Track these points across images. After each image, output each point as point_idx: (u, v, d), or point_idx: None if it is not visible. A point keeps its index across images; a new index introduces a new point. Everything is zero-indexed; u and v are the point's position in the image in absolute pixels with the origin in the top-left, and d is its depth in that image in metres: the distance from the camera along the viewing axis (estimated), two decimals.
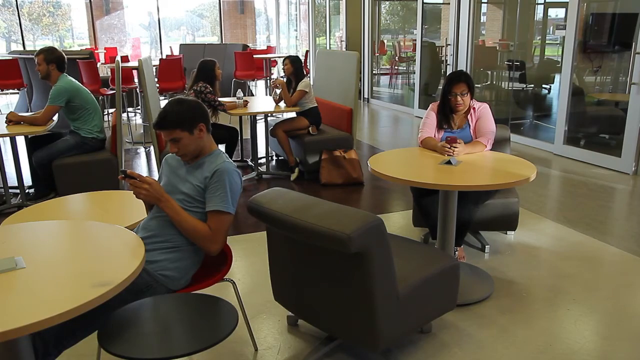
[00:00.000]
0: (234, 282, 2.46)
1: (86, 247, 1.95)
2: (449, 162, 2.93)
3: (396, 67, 12.24)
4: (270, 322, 2.82)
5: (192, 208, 2.25)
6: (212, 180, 2.22)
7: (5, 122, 4.53)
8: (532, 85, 7.86)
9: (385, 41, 11.96)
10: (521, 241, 3.82)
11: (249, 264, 3.46)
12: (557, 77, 7.24)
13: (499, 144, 3.68)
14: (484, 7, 8.28)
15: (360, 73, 11.04)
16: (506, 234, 3.94)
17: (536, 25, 7.86)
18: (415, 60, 9.50)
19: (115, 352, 1.58)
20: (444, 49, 9.14)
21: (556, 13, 7.60)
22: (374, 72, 11.34)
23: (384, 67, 12.32)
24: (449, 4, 8.19)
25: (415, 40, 9.37)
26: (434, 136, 3.38)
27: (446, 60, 8.47)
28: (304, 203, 2.20)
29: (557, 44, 7.33)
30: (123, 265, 1.73)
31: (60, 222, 2.19)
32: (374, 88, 11.44)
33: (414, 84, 9.63)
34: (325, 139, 5.40)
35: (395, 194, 4.94)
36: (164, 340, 1.66)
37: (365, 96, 11.26)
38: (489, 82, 8.71)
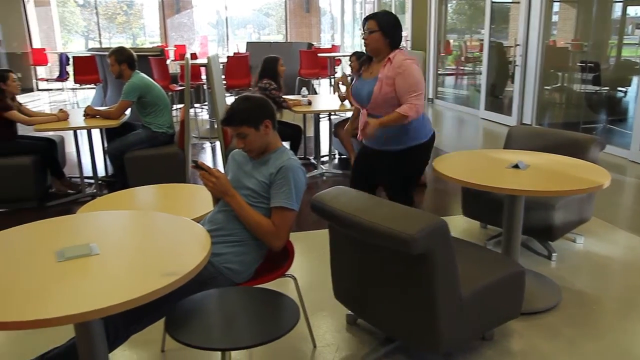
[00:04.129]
0: (295, 278, 2.48)
1: (155, 237, 2.02)
2: (516, 166, 2.84)
3: (462, 68, 12.00)
4: (330, 320, 2.83)
5: (256, 203, 2.28)
6: (277, 176, 2.25)
7: (83, 116, 4.76)
8: (607, 88, 7.51)
9: (451, 41, 11.74)
10: (591, 250, 3.66)
11: (310, 261, 3.48)
12: (634, 80, 6.89)
13: (575, 149, 3.49)
14: (555, 6, 7.97)
15: (425, 73, 10.88)
16: (575, 242, 3.79)
17: (613, 24, 7.50)
18: (481, 61, 9.27)
19: (182, 340, 1.63)
20: (512, 49, 8.88)
21: (636, 11, 7.22)
22: (438, 72, 11.16)
23: (449, 67, 12.09)
24: (518, 2, 7.94)
25: (483, 40, 9.14)
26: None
27: (514, 61, 8.22)
28: (367, 202, 2.19)
29: (637, 44, 6.97)
30: (190, 257, 1.78)
31: (131, 212, 2.28)
32: (439, 88, 11.25)
33: (480, 84, 9.40)
34: None
35: (458, 196, 4.85)
36: (227, 332, 1.70)
37: (430, 97, 11.10)
38: (559, 84, 8.39)
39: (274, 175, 2.26)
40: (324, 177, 5.48)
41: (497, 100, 9.16)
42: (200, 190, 3.11)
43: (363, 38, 3.02)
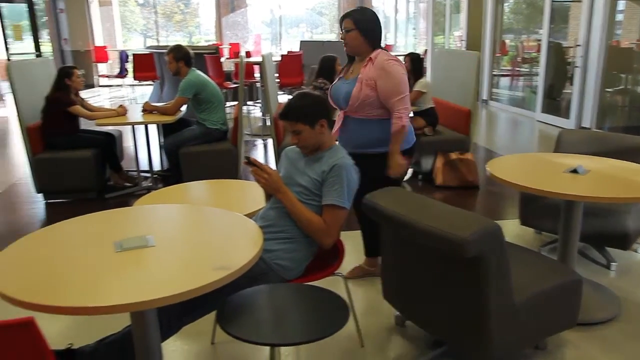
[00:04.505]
0: (344, 277, 2.48)
1: (208, 231, 2.06)
2: (574, 171, 2.74)
3: (517, 69, 11.69)
4: (378, 321, 2.81)
5: (308, 201, 2.30)
6: (330, 174, 2.25)
7: (141, 111, 4.91)
8: None
9: (507, 41, 11.46)
10: None
11: (359, 260, 3.47)
12: None
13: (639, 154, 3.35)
14: (620, 5, 7.65)
15: (479, 74, 10.67)
16: (637, 252, 3.63)
17: None
18: (539, 62, 9.01)
19: (233, 334, 1.65)
20: (571, 49, 8.58)
21: None
22: (493, 73, 10.91)
23: (505, 68, 11.80)
24: (580, 1, 7.67)
25: (540, 40, 8.88)
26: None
27: (574, 62, 7.94)
28: (419, 203, 2.17)
29: None
30: (242, 252, 1.80)
31: (185, 206, 2.33)
32: (493, 90, 11.01)
33: (536, 86, 9.14)
34: (441, 140, 5.29)
35: (512, 200, 4.73)
36: (277, 327, 1.72)
37: (484, 98, 10.87)
38: (622, 87, 8.05)
39: (326, 173, 2.27)
40: None
41: (555, 103, 8.87)
42: (252, 187, 3.15)
43: (341, 38, 2.90)
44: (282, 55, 8.26)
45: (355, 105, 2.84)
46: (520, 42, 11.41)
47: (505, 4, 10.82)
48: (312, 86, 5.11)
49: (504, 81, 11.75)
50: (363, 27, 2.81)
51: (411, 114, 5.38)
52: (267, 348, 2.50)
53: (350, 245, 3.70)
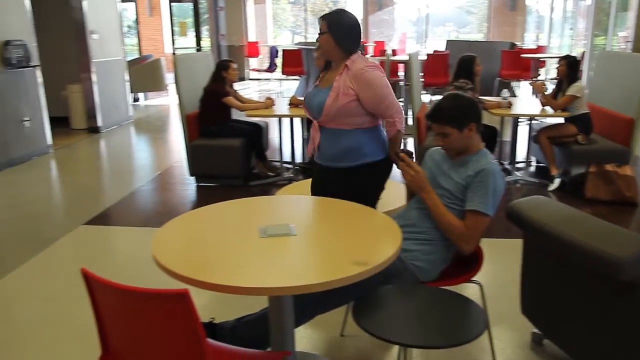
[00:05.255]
0: (481, 285, 2.39)
1: (348, 225, 2.09)
2: None
3: None
4: (513, 335, 2.67)
5: (450, 204, 2.24)
6: (476, 179, 2.18)
7: (288, 105, 5.12)
8: None
9: None
10: None
11: (497, 269, 3.32)
12: None
13: None
14: None
15: None
16: None
17: None
18: None
19: (368, 329, 1.67)
20: None
21: None
22: None
23: None
24: None
25: None
26: None
27: None
28: (571, 216, 2.02)
29: None
30: (381, 249, 1.81)
31: (326, 199, 2.38)
32: None
33: None
34: (596, 150, 4.88)
35: None
36: (412, 328, 1.70)
37: None
38: None
39: (471, 177, 2.19)
40: (518, 185, 5.18)
41: None
42: (393, 185, 3.15)
43: (316, 40, 2.66)
44: (427, 55, 8.15)
45: (330, 115, 2.56)
46: None
47: None
48: (453, 87, 4.97)
49: None
50: (336, 30, 2.57)
51: (562, 120, 5.03)
52: (396, 348, 2.49)
53: (489, 253, 3.55)
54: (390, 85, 2.59)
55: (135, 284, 1.38)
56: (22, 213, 4.63)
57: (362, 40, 2.62)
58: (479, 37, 18.94)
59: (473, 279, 2.35)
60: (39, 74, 6.51)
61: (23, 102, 6.27)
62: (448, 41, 12.48)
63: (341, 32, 2.57)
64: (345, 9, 2.65)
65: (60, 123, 7.69)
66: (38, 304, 3.09)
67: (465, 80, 4.92)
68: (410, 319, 1.77)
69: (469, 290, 3.01)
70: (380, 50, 12.29)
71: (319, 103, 2.58)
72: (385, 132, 2.66)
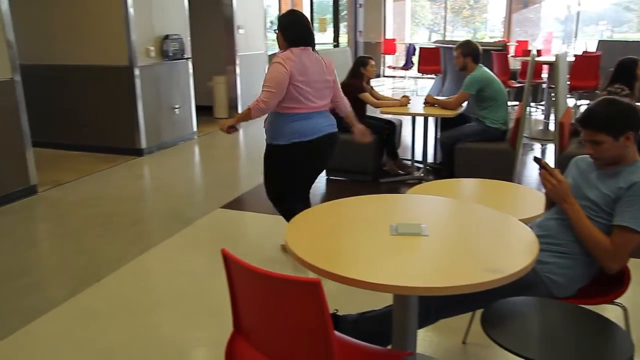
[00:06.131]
0: (625, 309, 2.19)
1: (481, 230, 2.03)
2: None
3: None
4: None
5: (595, 217, 2.07)
6: (628, 192, 1.99)
7: (423, 103, 5.05)
8: None
9: None
10: None
11: None
12: None
13: None
14: None
15: None
16: None
17: None
18: None
19: (498, 341, 1.60)
20: None
21: None
22: None
23: None
24: None
25: None
26: None
27: None
28: None
29: None
30: (516, 258, 1.73)
31: (459, 201, 2.33)
32: None
33: None
34: None
35: None
36: (547, 345, 1.60)
37: None
38: None
39: (623, 190, 2.01)
40: None
41: None
42: (528, 192, 2.99)
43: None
44: (575, 56, 7.59)
45: None
46: None
47: None
48: (606, 92, 4.58)
49: None
50: (282, 27, 3.19)
51: None
52: None
53: (637, 275, 3.25)
54: (276, 78, 3.06)
55: (263, 268, 1.44)
56: (167, 193, 5.05)
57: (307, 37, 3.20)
58: (637, 36, 17.28)
59: (616, 301, 2.16)
60: (190, 65, 7.05)
61: (175, 91, 6.83)
62: (600, 41, 11.54)
63: (284, 29, 3.19)
64: (296, 10, 3.36)
65: (204, 112, 8.25)
66: (177, 277, 3.36)
67: (622, 85, 4.51)
68: (545, 336, 1.67)
69: (609, 313, 2.77)
70: (522, 50, 11.69)
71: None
72: (302, 123, 3.16)
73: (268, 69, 3.16)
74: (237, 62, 8.27)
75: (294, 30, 3.17)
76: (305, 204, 3.44)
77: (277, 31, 3.20)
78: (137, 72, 6.11)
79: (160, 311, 2.96)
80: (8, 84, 4.63)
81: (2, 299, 3.09)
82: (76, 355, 2.57)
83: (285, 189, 3.39)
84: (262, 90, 3.08)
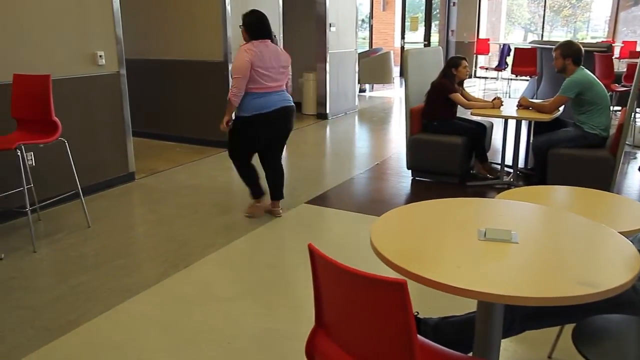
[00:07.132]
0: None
1: (575, 241, 1.93)
2: None
3: None
4: None
5: None
6: None
7: (517, 106, 4.87)
8: None
9: None
10: None
11: None
12: None
13: None
14: None
15: None
16: None
17: None
18: None
19: (590, 358, 1.52)
20: None
21: None
22: None
23: None
24: None
25: None
26: None
27: None
28: None
29: None
30: (613, 272, 1.63)
31: (553, 209, 2.23)
32: None
33: None
34: None
35: None
36: None
37: None
38: None
39: None
40: None
41: None
42: (628, 203, 2.81)
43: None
44: None
45: None
46: None
47: None
48: None
49: None
50: (245, 24, 3.93)
51: None
52: None
53: None
54: (241, 66, 3.78)
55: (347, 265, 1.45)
56: None
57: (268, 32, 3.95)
58: None
59: None
60: None
61: None
62: None
63: (248, 24, 3.93)
64: (256, 10, 4.01)
65: None
66: (261, 269, 3.45)
67: None
68: None
69: None
70: (629, 51, 10.96)
71: None
72: (261, 100, 3.91)
73: (234, 57, 3.93)
74: (328, 59, 8.35)
75: (255, 26, 3.92)
76: (275, 169, 4.25)
77: (241, 27, 3.92)
78: (230, 67, 6.33)
79: (243, 301, 3.06)
80: (115, 77, 4.95)
81: (102, 277, 3.31)
82: (163, 337, 2.71)
83: (241, 152, 4.15)
84: (232, 78, 3.85)
